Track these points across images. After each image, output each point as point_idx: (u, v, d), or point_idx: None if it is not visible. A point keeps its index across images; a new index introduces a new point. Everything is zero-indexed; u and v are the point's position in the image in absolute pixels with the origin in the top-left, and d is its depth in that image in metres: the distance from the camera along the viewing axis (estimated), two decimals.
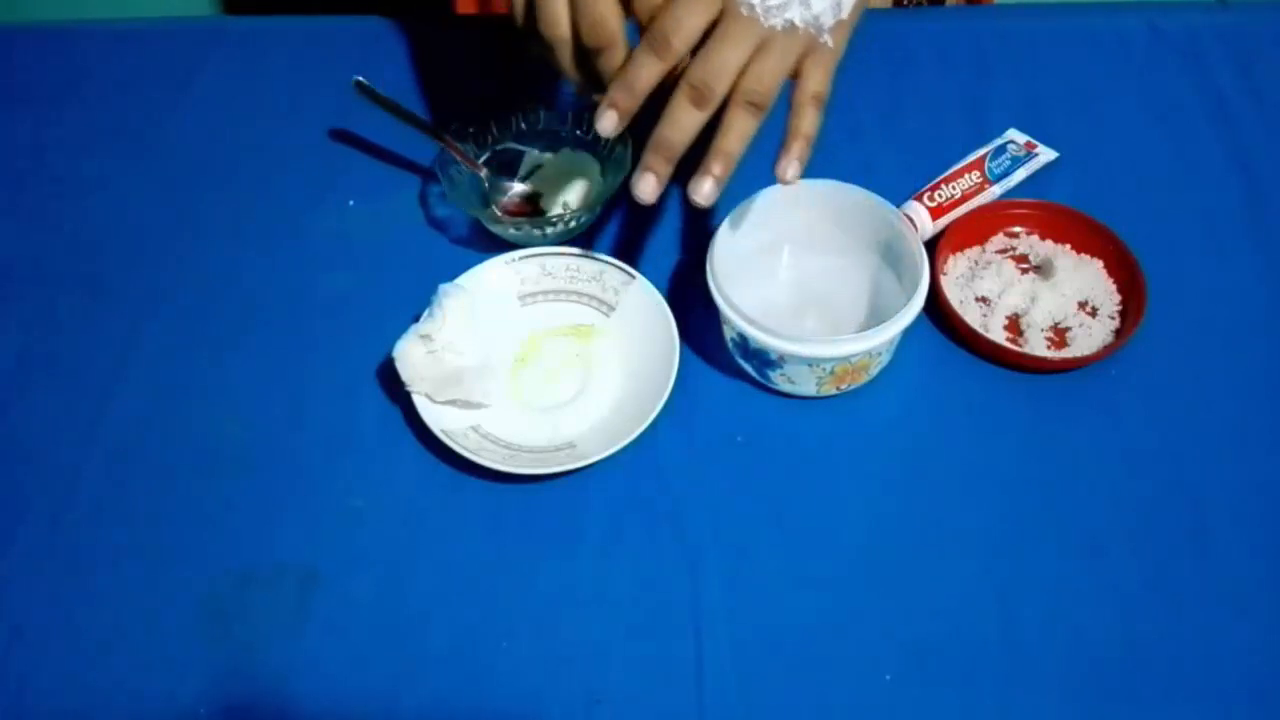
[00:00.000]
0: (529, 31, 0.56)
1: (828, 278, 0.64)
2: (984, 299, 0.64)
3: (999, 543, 0.55)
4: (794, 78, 0.54)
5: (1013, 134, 0.71)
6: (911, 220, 0.65)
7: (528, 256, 0.65)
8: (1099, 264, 0.65)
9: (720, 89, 0.51)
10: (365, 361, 0.63)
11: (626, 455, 0.56)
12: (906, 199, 0.67)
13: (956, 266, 0.65)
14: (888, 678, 0.51)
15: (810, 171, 0.56)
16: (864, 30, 0.58)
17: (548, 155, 0.71)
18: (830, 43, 0.53)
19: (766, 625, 0.53)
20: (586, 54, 0.54)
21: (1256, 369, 0.61)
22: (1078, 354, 0.61)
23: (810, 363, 0.56)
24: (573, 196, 0.70)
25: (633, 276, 0.63)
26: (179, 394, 0.63)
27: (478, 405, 0.59)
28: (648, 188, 0.53)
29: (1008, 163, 0.69)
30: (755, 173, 0.56)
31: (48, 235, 0.71)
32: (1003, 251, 0.66)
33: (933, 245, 0.64)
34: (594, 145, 0.70)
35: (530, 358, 0.63)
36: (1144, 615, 0.53)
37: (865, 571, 0.55)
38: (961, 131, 0.72)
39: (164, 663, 0.53)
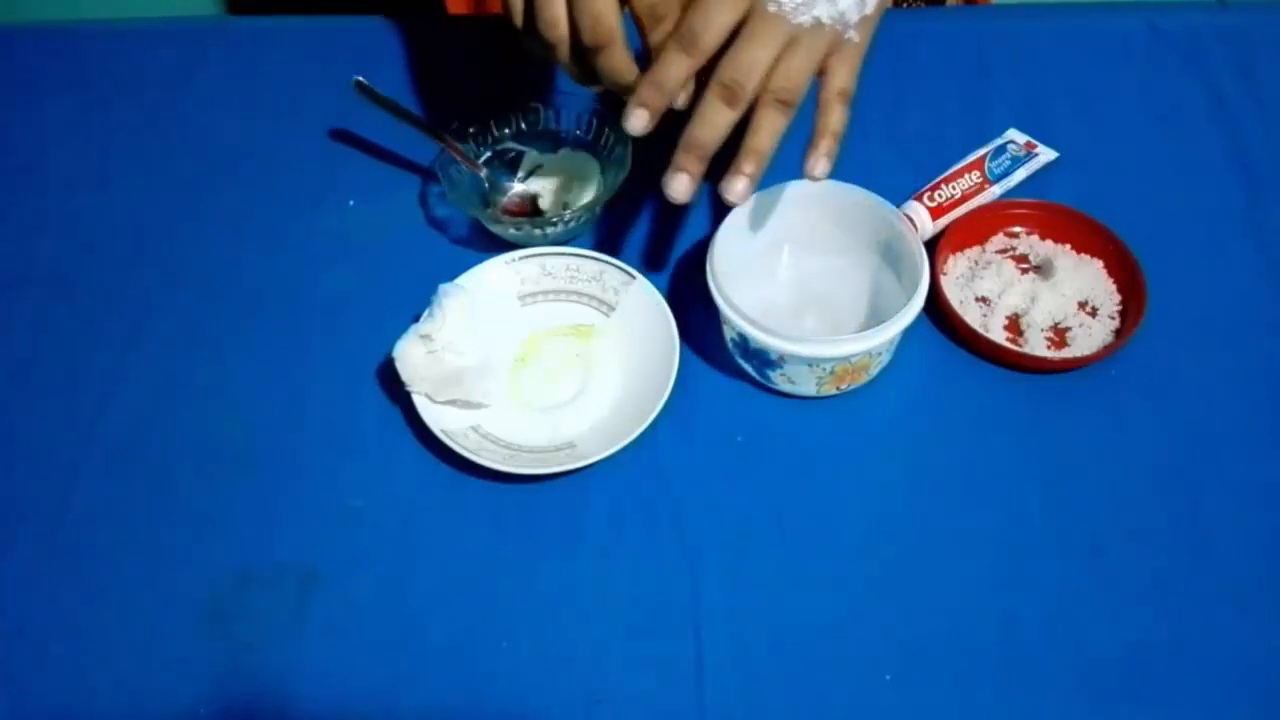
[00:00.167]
0: (528, 31, 0.56)
1: (828, 278, 0.64)
2: (984, 299, 0.64)
3: (999, 543, 0.55)
4: (820, 74, 0.54)
5: (1013, 134, 0.71)
6: (911, 220, 0.65)
7: (528, 256, 0.65)
8: (1099, 264, 0.65)
9: (751, 87, 0.51)
10: (365, 361, 0.63)
11: (626, 455, 0.56)
12: (906, 199, 0.67)
13: (956, 266, 0.65)
14: (888, 678, 0.51)
15: None
16: None
17: (548, 155, 0.72)
18: (856, 38, 0.53)
19: (766, 625, 0.53)
20: (585, 52, 0.54)
21: (1256, 369, 0.61)
22: (1078, 354, 0.61)
23: (810, 363, 0.56)
24: (573, 196, 0.70)
25: (633, 276, 0.63)
26: (179, 394, 0.63)
27: (478, 405, 0.59)
28: (681, 187, 0.53)
29: (1008, 163, 0.69)
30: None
31: (48, 235, 0.71)
32: (1003, 251, 0.66)
33: (933, 245, 0.64)
34: (594, 145, 0.70)
35: (530, 358, 0.63)
36: (1144, 615, 0.53)
37: (865, 571, 0.55)
38: (962, 131, 0.72)
39: (164, 663, 0.53)
